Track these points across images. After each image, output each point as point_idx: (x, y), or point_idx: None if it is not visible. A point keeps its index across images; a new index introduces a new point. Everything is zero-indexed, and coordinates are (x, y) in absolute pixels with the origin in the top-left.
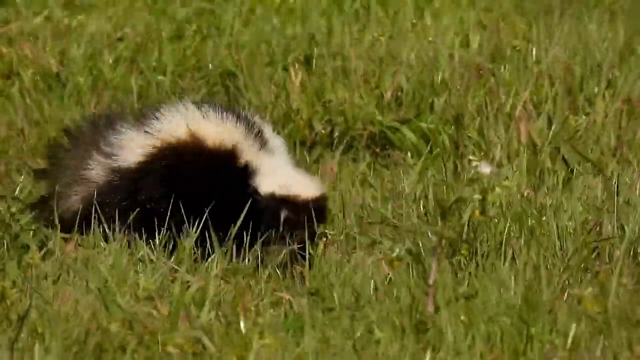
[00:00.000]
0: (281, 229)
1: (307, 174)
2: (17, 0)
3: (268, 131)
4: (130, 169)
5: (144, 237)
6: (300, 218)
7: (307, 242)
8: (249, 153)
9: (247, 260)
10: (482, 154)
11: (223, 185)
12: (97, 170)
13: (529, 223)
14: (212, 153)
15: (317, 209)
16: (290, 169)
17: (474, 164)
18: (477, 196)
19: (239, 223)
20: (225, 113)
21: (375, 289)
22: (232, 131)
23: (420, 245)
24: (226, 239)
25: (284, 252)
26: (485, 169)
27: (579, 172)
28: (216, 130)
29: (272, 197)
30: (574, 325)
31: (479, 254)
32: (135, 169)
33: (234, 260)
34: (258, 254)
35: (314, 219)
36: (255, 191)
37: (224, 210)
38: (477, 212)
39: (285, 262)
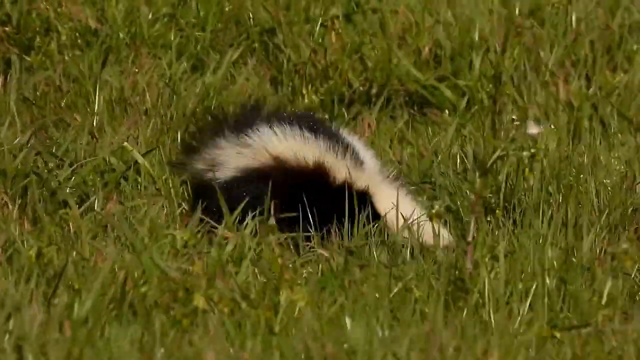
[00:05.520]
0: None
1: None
2: None
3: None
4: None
5: None
6: None
7: None
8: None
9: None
10: (520, 112)
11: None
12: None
13: (567, 181)
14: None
15: None
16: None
17: (515, 122)
18: (526, 153)
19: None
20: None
21: (413, 247)
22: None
23: (459, 202)
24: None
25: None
26: (533, 129)
27: (617, 130)
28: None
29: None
30: (610, 283)
31: (517, 211)
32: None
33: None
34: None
35: None
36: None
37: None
38: (527, 171)
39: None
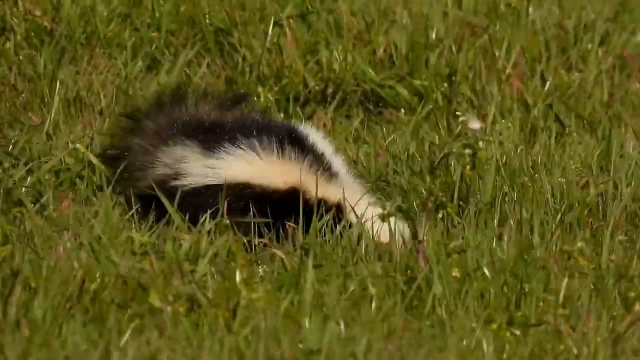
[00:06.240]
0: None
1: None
2: None
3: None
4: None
5: None
6: None
7: None
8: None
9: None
10: (475, 111)
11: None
12: (160, 170)
13: (522, 179)
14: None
15: None
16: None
17: (461, 119)
18: (467, 151)
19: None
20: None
21: (367, 245)
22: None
23: (413, 201)
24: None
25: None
26: (474, 124)
27: (572, 129)
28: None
29: None
30: (567, 282)
31: (471, 210)
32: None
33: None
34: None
35: None
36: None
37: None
38: (467, 168)
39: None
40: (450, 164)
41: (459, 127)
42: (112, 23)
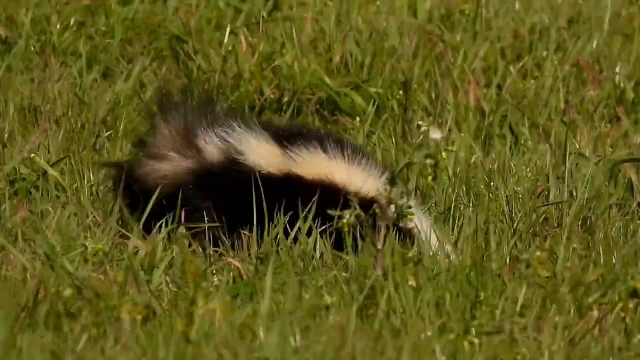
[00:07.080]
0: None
1: None
2: None
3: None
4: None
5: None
6: None
7: None
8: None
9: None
10: (431, 118)
11: None
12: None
13: (478, 188)
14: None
15: None
16: None
17: (422, 128)
18: (429, 161)
19: None
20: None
21: (323, 254)
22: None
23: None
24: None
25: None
26: (436, 134)
27: (527, 137)
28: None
29: None
30: (522, 290)
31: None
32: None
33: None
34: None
35: None
36: None
37: None
38: (429, 179)
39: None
40: (407, 173)
41: (421, 136)
42: (67, 32)
